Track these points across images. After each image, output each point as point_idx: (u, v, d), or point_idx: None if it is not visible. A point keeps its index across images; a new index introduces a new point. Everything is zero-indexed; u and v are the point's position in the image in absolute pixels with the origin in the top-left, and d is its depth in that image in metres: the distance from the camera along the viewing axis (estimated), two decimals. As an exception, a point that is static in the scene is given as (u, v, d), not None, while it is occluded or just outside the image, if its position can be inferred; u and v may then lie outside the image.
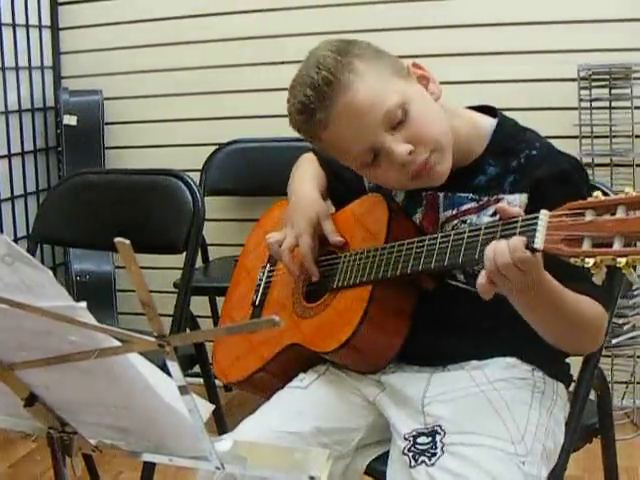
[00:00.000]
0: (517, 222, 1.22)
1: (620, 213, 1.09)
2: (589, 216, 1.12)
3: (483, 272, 1.23)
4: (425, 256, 1.37)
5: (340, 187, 1.67)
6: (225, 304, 1.82)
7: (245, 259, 1.82)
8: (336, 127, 1.39)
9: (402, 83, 1.41)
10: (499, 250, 1.20)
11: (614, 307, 1.60)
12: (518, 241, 1.18)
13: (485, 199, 1.44)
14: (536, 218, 1.18)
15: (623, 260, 1.06)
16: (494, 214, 1.40)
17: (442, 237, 1.35)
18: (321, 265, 1.58)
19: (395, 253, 1.43)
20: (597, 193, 1.13)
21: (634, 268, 1.08)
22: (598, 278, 1.11)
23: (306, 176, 1.69)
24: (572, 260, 1.11)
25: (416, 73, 1.45)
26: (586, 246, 1.10)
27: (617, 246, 1.07)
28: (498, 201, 1.41)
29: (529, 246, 1.17)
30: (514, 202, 1.39)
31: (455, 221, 1.46)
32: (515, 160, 1.44)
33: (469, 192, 1.45)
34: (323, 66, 1.37)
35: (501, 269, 1.19)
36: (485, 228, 1.27)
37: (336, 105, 1.37)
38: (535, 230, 1.17)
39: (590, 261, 1.09)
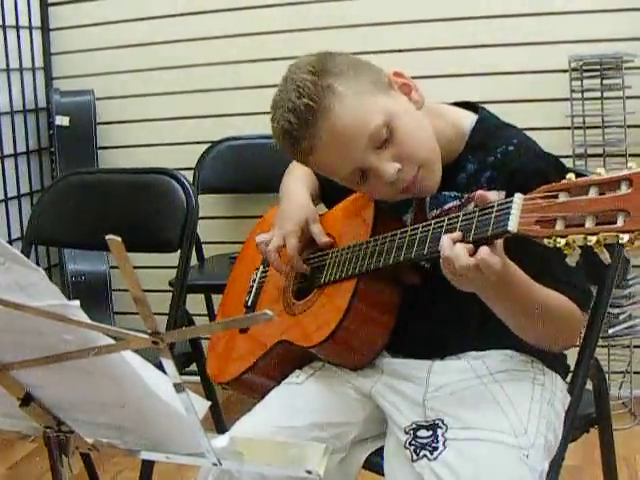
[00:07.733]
0: (493, 207, 1.22)
1: (592, 194, 1.09)
2: (562, 197, 1.12)
3: None
4: (406, 247, 1.37)
5: (333, 190, 1.66)
6: (220, 307, 1.85)
7: (241, 262, 1.84)
8: (322, 152, 1.38)
9: (384, 98, 1.39)
10: (454, 255, 1.21)
11: (607, 299, 1.61)
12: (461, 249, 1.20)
13: (466, 196, 1.43)
14: (510, 202, 1.18)
15: (594, 238, 1.06)
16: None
17: (423, 227, 1.35)
18: (310, 263, 1.59)
19: (378, 246, 1.43)
20: (570, 175, 1.13)
21: (605, 247, 1.07)
22: (572, 259, 1.11)
23: (297, 181, 1.70)
24: (545, 241, 1.11)
25: (397, 82, 1.43)
26: (559, 227, 1.10)
27: (588, 225, 1.08)
28: None
29: (504, 229, 1.17)
30: None
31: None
32: (491, 156, 1.43)
33: (452, 190, 1.45)
34: (303, 91, 1.35)
35: (458, 271, 1.21)
36: (463, 215, 1.27)
37: (320, 132, 1.35)
38: (509, 213, 1.17)
39: (562, 241, 1.09)
